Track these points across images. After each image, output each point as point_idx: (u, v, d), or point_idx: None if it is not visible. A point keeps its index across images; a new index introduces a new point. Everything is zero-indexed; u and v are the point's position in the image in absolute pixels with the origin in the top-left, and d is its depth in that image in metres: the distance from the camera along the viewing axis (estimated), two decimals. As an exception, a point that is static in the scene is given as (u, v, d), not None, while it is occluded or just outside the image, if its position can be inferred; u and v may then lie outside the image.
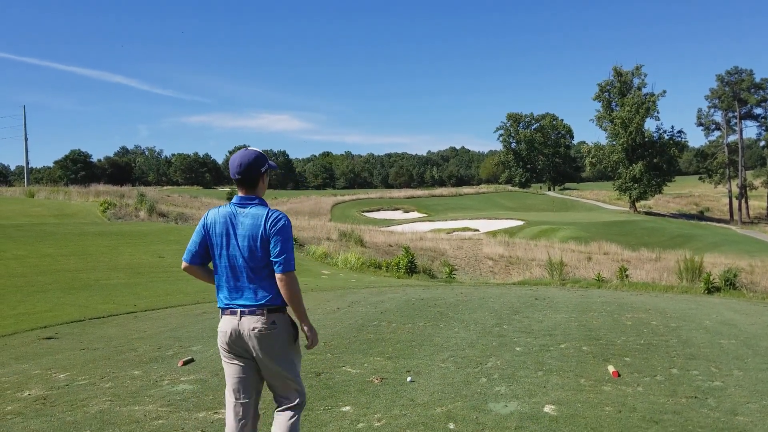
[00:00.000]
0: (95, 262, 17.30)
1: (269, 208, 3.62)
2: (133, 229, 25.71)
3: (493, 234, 42.72)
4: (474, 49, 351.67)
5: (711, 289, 15.59)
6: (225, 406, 3.74)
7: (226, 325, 3.56)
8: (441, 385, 6.02)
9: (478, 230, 51.69)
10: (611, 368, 6.57)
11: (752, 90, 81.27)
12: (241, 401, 3.61)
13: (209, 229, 3.63)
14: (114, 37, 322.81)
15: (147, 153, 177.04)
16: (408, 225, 53.87)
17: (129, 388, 6.02)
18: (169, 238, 23.59)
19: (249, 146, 3.68)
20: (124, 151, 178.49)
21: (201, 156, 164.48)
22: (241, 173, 3.61)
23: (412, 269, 20.79)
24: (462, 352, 7.41)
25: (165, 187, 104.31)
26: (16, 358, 7.52)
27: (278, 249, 3.51)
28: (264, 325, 3.50)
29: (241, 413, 3.61)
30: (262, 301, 3.52)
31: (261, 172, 3.65)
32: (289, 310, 3.63)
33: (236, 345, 3.55)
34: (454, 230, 50.35)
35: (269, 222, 3.54)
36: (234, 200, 3.66)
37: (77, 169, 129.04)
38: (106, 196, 36.17)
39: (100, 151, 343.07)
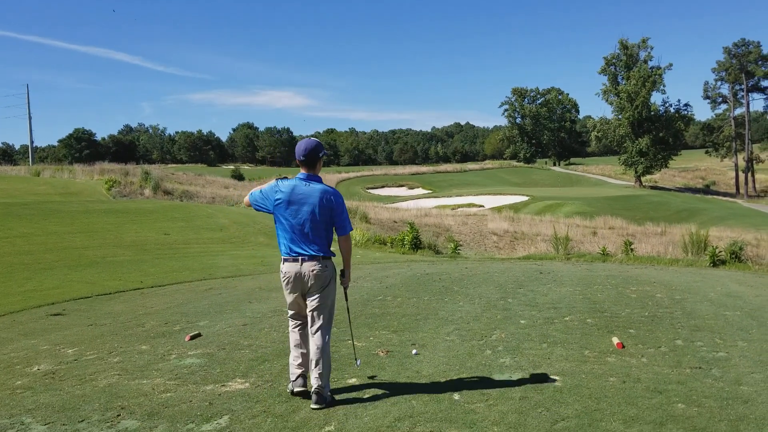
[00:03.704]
0: (101, 240, 17.39)
1: (326, 186, 4.85)
2: (138, 206, 25.79)
3: (498, 210, 42.72)
4: (479, 24, 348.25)
5: (716, 262, 15.55)
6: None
7: (290, 268, 4.84)
8: (446, 357, 6.06)
9: (483, 206, 51.69)
10: (615, 340, 6.59)
11: (760, 62, 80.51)
12: (298, 321, 5.05)
13: (282, 194, 4.82)
14: (116, 14, 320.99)
15: (151, 131, 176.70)
16: (413, 201, 53.98)
17: (137, 363, 6.08)
18: (175, 215, 23.66)
19: (310, 136, 4.86)
20: (128, 129, 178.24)
21: (205, 133, 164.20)
22: (306, 156, 4.83)
23: (416, 245, 20.81)
24: (467, 326, 7.45)
25: (169, 165, 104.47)
26: (24, 334, 7.59)
27: (340, 218, 4.87)
28: (319, 267, 4.81)
29: (298, 330, 5.03)
30: (319, 253, 4.81)
31: (319, 156, 4.87)
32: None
33: (295, 282, 4.85)
34: (459, 206, 50.38)
35: (329, 197, 4.80)
36: (299, 176, 4.88)
37: (81, 148, 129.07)
38: (111, 174, 36.32)
39: (104, 129, 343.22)
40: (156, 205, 26.97)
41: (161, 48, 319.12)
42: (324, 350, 4.79)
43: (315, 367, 4.74)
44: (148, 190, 31.80)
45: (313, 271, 4.78)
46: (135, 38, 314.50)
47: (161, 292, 10.77)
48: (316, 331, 4.84)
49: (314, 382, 4.71)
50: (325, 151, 4.89)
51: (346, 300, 5.31)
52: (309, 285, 4.81)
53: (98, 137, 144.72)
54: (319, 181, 4.88)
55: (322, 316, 4.86)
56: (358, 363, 5.63)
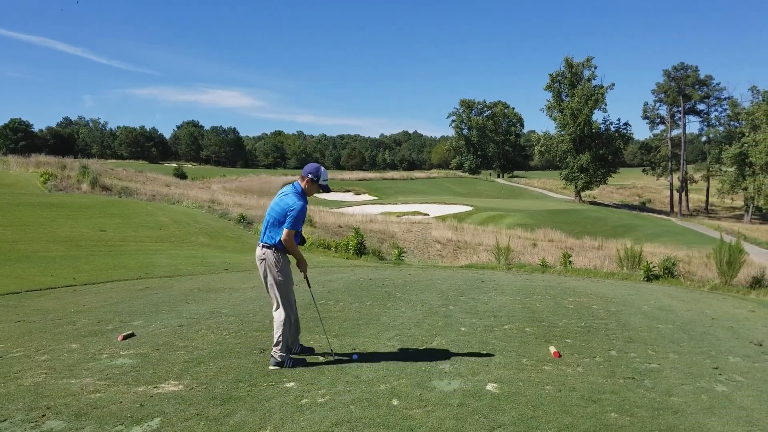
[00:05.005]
0: (33, 234, 16.73)
1: (296, 196, 5.85)
2: (74, 201, 24.94)
3: (443, 218, 43.04)
4: (429, 34, 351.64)
5: (650, 277, 16.04)
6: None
7: (256, 251, 5.92)
8: (386, 362, 6.03)
9: (428, 214, 52.03)
10: (552, 349, 6.70)
11: (696, 86, 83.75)
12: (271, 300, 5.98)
13: None
14: (56, 3, 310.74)
15: (91, 125, 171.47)
16: (359, 207, 53.83)
17: (66, 361, 5.84)
18: (112, 211, 22.98)
19: (312, 160, 5.15)
20: (68, 121, 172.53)
21: (147, 130, 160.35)
22: (303, 169, 5.98)
23: (361, 250, 20.78)
24: (408, 332, 7.44)
25: (109, 161, 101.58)
26: (-55, 329, 7.21)
27: (288, 217, 5.71)
28: (260, 253, 5.85)
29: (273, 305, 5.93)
30: (263, 242, 5.84)
31: (305, 176, 5.94)
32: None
33: (258, 263, 5.89)
34: (405, 214, 50.55)
35: (287, 200, 5.81)
36: (294, 183, 6.01)
37: (17, 139, 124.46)
38: (47, 167, 34.94)
39: (42, 120, 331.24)
40: (93, 200, 26.14)
41: (105, 40, 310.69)
42: (279, 325, 5.79)
43: (274, 337, 5.84)
44: (86, 185, 30.79)
45: (260, 255, 5.85)
46: (77, 29, 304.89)
47: (95, 289, 10.42)
48: (274, 309, 5.92)
49: (273, 348, 5.86)
50: (314, 177, 5.90)
51: (309, 287, 6.58)
52: (262, 268, 5.84)
53: (36, 129, 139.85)
54: (298, 189, 5.93)
55: (274, 296, 5.87)
56: (334, 357, 6.14)
